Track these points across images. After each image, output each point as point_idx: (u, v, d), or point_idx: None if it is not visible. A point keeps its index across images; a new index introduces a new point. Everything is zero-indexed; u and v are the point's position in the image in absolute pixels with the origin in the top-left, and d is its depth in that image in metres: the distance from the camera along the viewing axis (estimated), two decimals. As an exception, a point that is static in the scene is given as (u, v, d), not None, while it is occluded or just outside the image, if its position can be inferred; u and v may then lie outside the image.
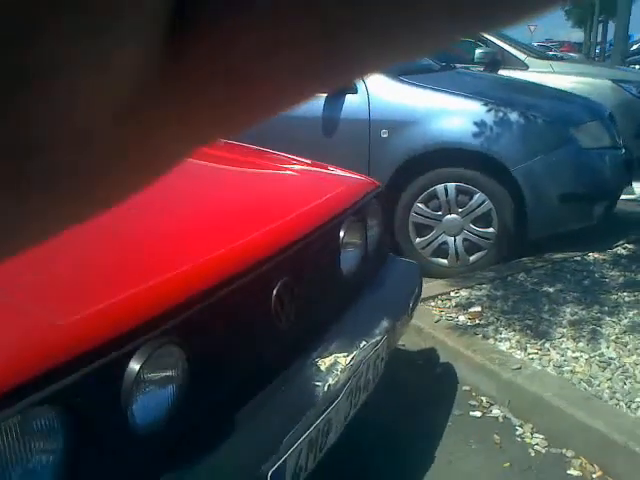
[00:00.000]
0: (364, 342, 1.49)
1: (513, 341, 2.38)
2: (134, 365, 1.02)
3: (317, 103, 3.31)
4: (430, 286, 2.91)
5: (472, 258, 3.19)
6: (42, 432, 0.92)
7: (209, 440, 1.15)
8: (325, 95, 3.31)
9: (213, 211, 1.52)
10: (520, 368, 2.16)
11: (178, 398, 1.10)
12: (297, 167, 2.10)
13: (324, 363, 1.39)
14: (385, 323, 1.60)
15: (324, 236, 1.55)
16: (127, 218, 1.38)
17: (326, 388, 1.33)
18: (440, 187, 3.17)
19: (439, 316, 2.61)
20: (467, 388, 2.26)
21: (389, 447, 1.99)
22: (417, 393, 2.26)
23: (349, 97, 3.29)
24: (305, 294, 1.44)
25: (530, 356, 2.27)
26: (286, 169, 2.11)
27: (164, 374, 1.08)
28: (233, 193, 1.68)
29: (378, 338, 1.53)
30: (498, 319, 2.56)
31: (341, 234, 1.64)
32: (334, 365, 1.39)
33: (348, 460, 1.85)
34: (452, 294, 2.84)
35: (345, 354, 1.43)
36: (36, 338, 0.95)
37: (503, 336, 2.42)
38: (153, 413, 1.07)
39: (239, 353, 1.28)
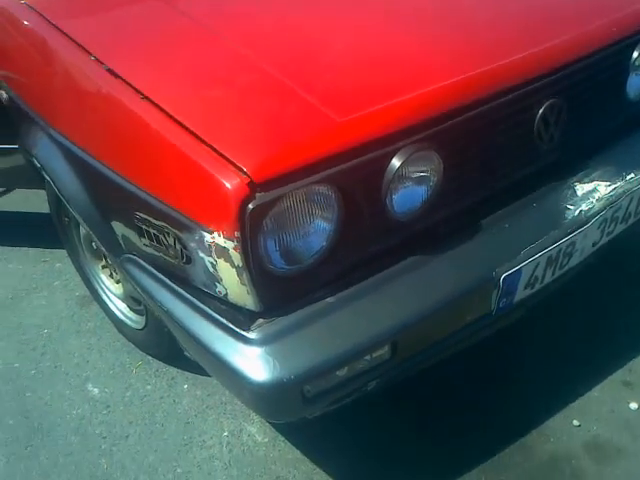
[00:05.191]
0: (632, 174, 1.44)
1: None
2: (395, 162, 1.18)
3: None
4: None
5: None
6: (321, 203, 1.15)
7: (453, 234, 1.31)
8: None
9: (481, 20, 1.47)
10: None
11: (431, 195, 1.25)
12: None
13: (582, 188, 1.41)
14: (665, 158, 1.49)
15: (610, 56, 1.44)
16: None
17: (577, 213, 1.36)
18: None
19: None
20: None
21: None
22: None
23: None
24: (576, 118, 1.41)
25: None
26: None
27: (420, 174, 1.23)
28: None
29: (651, 173, 1.45)
30: None
31: (635, 54, 1.50)
32: (592, 192, 1.40)
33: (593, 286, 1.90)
34: None
35: (607, 183, 1.42)
36: (317, 131, 1.16)
37: None
38: (408, 204, 1.24)
39: (494, 165, 1.35)
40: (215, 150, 1.12)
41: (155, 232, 1.28)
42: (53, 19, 1.57)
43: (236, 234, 1.09)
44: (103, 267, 1.99)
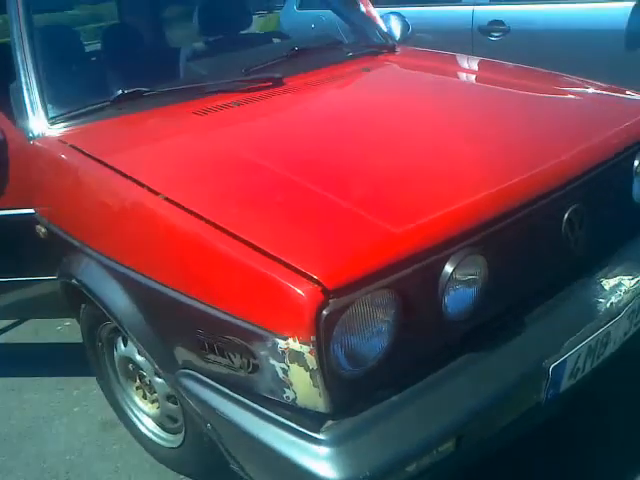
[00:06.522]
0: (651, 268, 1.57)
1: None
2: (448, 267, 1.29)
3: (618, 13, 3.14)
4: None
5: None
6: (383, 307, 1.24)
7: (503, 332, 1.40)
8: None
9: (510, 138, 1.67)
10: None
11: (480, 296, 1.35)
12: (590, 91, 2.10)
13: (608, 283, 1.53)
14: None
15: (617, 165, 1.62)
16: (434, 143, 1.65)
17: (608, 305, 1.47)
18: None
19: None
20: None
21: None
22: None
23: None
24: (595, 220, 1.55)
25: None
26: (578, 94, 2.13)
27: (470, 277, 1.34)
28: (526, 120, 1.79)
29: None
30: None
31: (635, 163, 1.69)
32: (618, 286, 1.52)
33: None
34: None
35: (630, 277, 1.54)
36: (377, 242, 1.27)
37: None
38: (460, 304, 1.34)
39: (531, 266, 1.47)
40: (284, 263, 1.20)
41: (219, 344, 1.32)
42: (101, 156, 1.67)
43: (312, 338, 1.15)
44: (137, 388, 2.00)
